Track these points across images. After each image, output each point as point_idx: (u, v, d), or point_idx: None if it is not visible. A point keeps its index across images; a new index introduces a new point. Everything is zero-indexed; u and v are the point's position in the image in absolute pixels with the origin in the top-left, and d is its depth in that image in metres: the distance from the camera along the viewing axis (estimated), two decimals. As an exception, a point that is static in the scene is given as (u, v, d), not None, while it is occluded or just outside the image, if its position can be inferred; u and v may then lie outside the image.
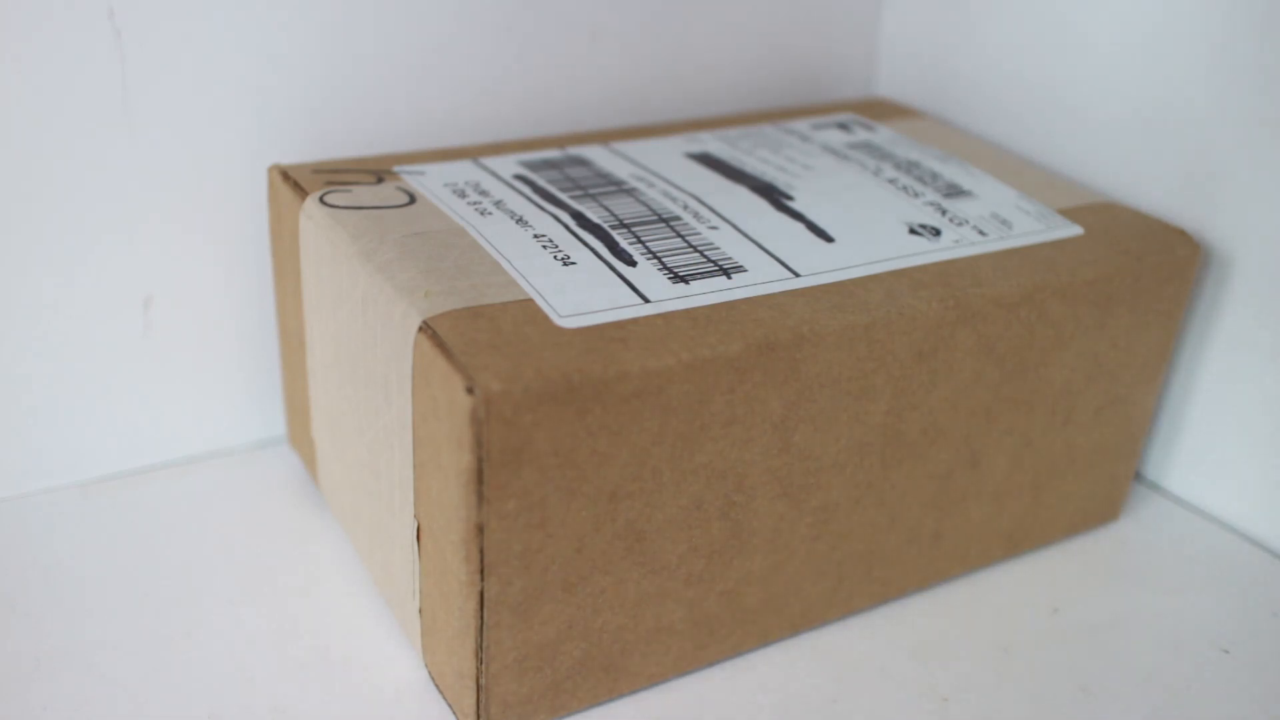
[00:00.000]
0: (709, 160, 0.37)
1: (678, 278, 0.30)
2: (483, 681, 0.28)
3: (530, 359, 0.26)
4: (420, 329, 0.27)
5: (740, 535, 0.30)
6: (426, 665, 0.31)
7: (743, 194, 0.35)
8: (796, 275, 0.31)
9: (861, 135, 0.41)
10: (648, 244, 0.31)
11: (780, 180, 0.36)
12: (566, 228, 0.32)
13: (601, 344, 0.27)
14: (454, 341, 0.26)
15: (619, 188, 0.35)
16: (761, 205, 0.34)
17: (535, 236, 0.31)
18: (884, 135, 0.41)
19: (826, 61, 0.48)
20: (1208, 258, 0.38)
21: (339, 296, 0.31)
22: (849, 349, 0.29)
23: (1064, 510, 0.37)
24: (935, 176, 0.37)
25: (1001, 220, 0.35)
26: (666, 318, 0.28)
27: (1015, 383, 0.33)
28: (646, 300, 0.29)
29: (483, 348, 0.26)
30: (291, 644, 0.32)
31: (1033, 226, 0.35)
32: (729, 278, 0.30)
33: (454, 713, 0.30)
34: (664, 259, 0.31)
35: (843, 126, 0.42)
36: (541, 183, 0.35)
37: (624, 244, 0.31)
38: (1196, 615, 0.36)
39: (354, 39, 0.38)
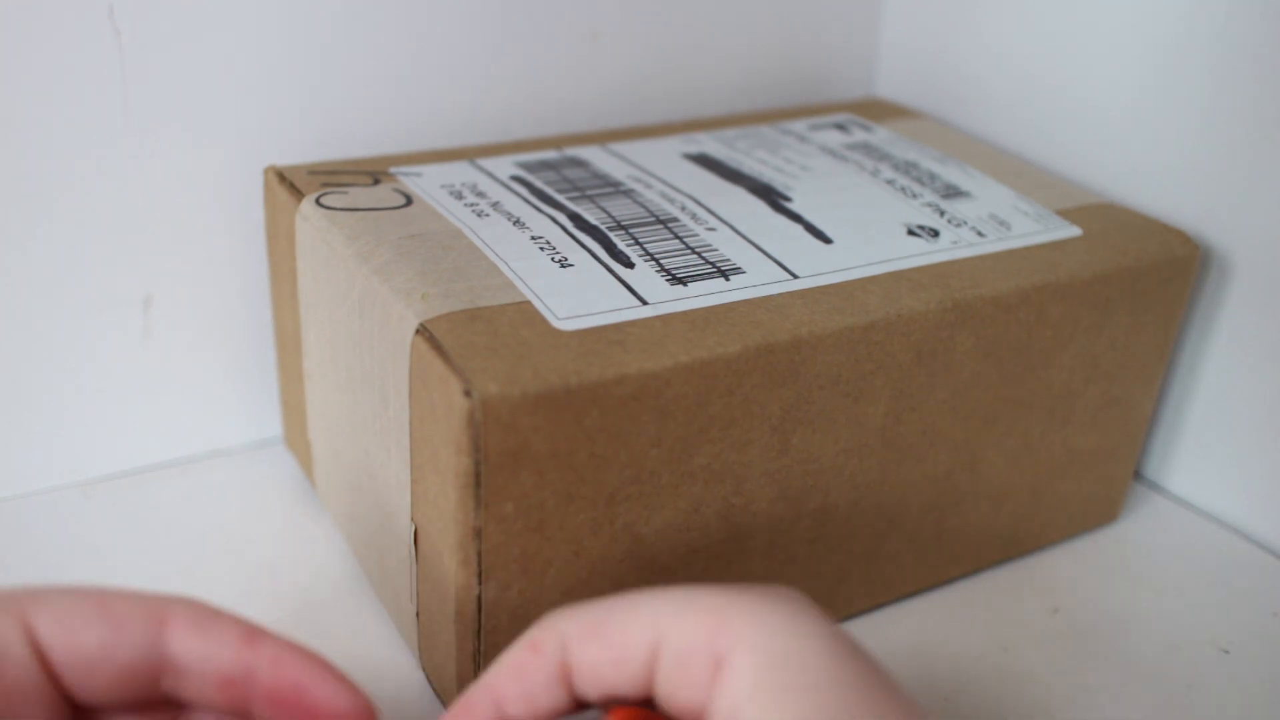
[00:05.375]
0: (706, 161, 0.37)
1: (676, 279, 0.30)
2: (481, 684, 0.28)
3: (528, 362, 0.26)
4: (417, 331, 0.27)
5: (739, 537, 0.30)
6: (424, 668, 0.31)
7: (740, 195, 0.35)
8: (795, 277, 0.30)
9: (859, 136, 0.41)
10: (645, 246, 0.31)
11: (778, 181, 0.36)
12: (564, 229, 0.32)
13: (599, 346, 0.27)
14: (451, 344, 0.26)
15: (616, 189, 0.35)
16: (759, 206, 0.34)
17: (533, 238, 0.31)
18: (882, 136, 0.41)
19: (826, 62, 0.48)
20: (1208, 258, 0.38)
21: (335, 298, 0.31)
22: (847, 350, 0.29)
23: (1063, 511, 0.37)
24: (933, 177, 0.37)
25: (1000, 221, 0.35)
26: (664, 320, 0.28)
27: (1014, 384, 0.33)
28: (644, 302, 0.29)
29: (480, 350, 0.26)
30: (290, 646, 0.32)
31: (1031, 227, 0.35)
32: (727, 279, 0.30)
33: (452, 715, 0.30)
34: (662, 261, 0.31)
35: (840, 127, 0.42)
36: (539, 184, 0.35)
37: (622, 246, 0.31)
38: (1196, 615, 0.36)
39: (351, 39, 0.38)
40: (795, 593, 0.22)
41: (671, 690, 0.22)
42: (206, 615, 0.23)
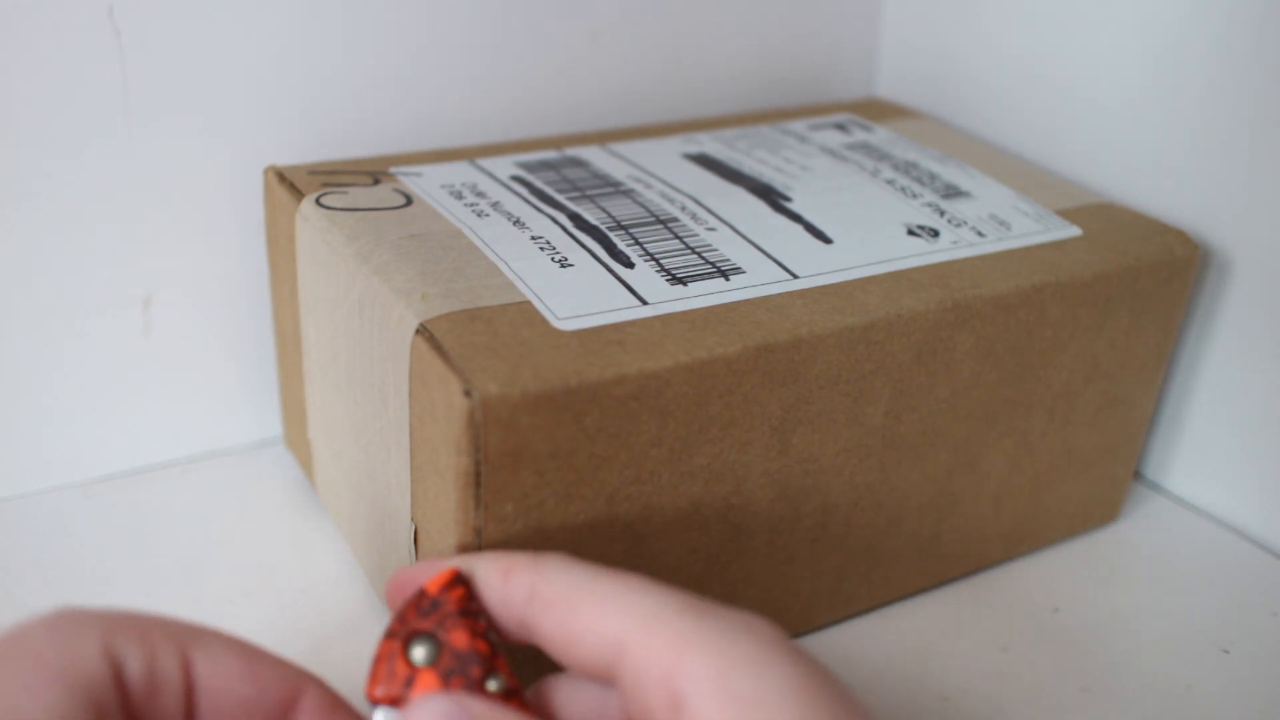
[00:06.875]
0: (706, 161, 0.37)
1: (675, 279, 0.30)
2: (481, 684, 0.28)
3: (528, 362, 0.26)
4: (417, 331, 0.27)
5: (739, 537, 0.30)
6: (425, 667, 0.31)
7: (740, 195, 0.35)
8: (795, 276, 0.30)
9: (859, 136, 0.41)
10: (645, 246, 0.31)
11: (778, 181, 0.36)
12: (564, 229, 0.32)
13: (599, 346, 0.27)
14: (451, 344, 0.26)
15: (616, 189, 0.35)
16: (759, 206, 0.34)
17: (533, 238, 0.31)
18: (882, 136, 0.41)
19: (826, 61, 0.48)
20: (1208, 258, 0.38)
21: (335, 298, 0.31)
22: (847, 350, 0.29)
23: (1064, 511, 0.37)
24: (933, 177, 0.37)
25: (1000, 221, 0.35)
26: (664, 320, 0.28)
27: (1014, 384, 0.33)
28: (644, 302, 0.29)
29: (480, 350, 0.26)
30: (290, 644, 0.32)
31: (1031, 227, 0.35)
32: (727, 279, 0.30)
33: (452, 715, 0.30)
34: (662, 261, 0.31)
35: (840, 127, 0.42)
36: (539, 184, 0.35)
37: (621, 246, 0.31)
38: (1196, 615, 0.36)
39: (351, 40, 0.38)
40: (761, 624, 0.21)
41: (633, 708, 0.21)
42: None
